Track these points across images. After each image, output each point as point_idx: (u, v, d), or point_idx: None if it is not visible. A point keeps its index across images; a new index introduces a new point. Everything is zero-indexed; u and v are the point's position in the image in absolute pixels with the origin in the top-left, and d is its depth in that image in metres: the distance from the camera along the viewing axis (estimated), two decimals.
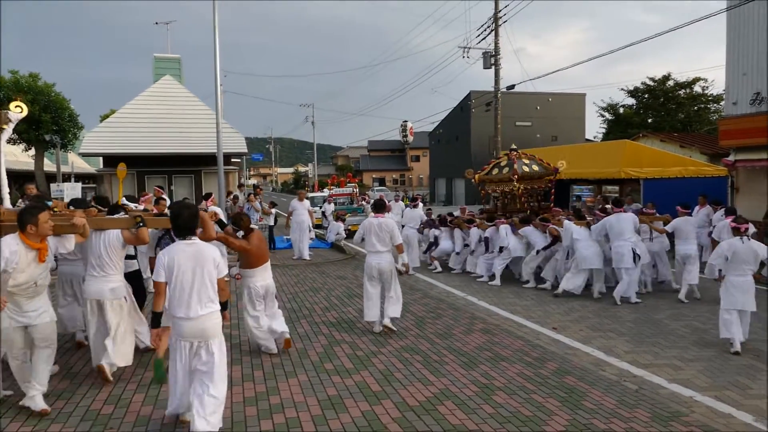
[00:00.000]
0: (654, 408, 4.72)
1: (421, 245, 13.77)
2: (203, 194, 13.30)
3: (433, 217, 13.74)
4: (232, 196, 16.20)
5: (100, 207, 6.53)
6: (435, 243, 12.80)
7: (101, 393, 5.01)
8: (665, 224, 9.57)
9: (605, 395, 4.98)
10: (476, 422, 4.40)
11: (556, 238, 9.89)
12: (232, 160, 23.94)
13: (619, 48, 18.42)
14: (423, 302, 8.86)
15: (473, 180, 13.34)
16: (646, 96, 32.90)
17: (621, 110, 34.07)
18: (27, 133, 21.66)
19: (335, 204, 21.35)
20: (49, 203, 5.84)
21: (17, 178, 24.60)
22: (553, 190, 13.11)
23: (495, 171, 12.69)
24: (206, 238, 4.92)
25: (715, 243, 8.32)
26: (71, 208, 6.02)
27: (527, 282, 10.45)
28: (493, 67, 24.44)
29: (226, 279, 4.34)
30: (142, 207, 8.34)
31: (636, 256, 8.82)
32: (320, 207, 20.18)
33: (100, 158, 23.24)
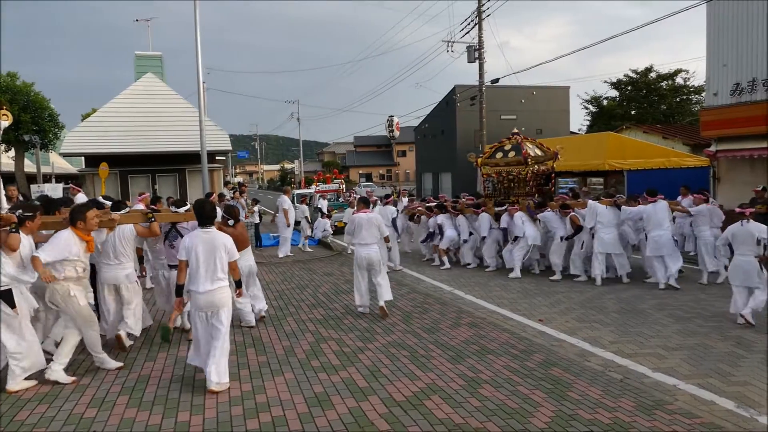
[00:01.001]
0: (638, 397, 4.77)
1: (409, 236, 13.74)
2: (205, 194, 13.29)
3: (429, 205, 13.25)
4: (218, 194, 16.09)
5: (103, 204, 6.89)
6: (433, 234, 12.18)
7: (84, 396, 4.95)
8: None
9: (590, 386, 5.02)
10: (462, 415, 4.41)
11: (579, 227, 9.89)
12: (217, 158, 23.70)
13: (602, 40, 18.54)
14: (410, 297, 8.86)
15: (475, 164, 13.08)
16: (629, 88, 33.15)
17: (605, 102, 34.32)
18: (6, 134, 21.30)
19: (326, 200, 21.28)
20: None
21: None
22: (553, 175, 12.81)
23: (499, 155, 12.28)
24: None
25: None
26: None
27: (555, 275, 10.27)
28: (477, 61, 24.49)
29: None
30: (141, 206, 8.50)
31: (676, 243, 9.39)
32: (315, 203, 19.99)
33: (82, 158, 22.91)
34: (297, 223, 15.17)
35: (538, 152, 12.32)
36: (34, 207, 5.60)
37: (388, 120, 61.45)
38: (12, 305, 4.98)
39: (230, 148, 21.86)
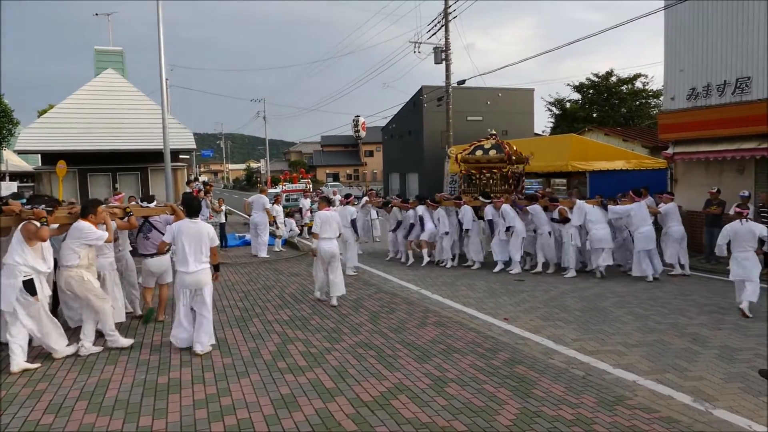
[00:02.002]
0: (600, 393, 4.88)
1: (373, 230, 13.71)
2: (183, 192, 13.45)
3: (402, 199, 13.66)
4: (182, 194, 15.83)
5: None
6: (413, 226, 12.14)
7: (40, 402, 4.78)
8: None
9: (554, 383, 5.11)
10: (429, 415, 4.44)
11: (565, 219, 10.53)
12: (181, 156, 23.23)
13: (565, 44, 18.92)
14: (377, 297, 8.86)
15: (456, 160, 13.46)
16: (591, 91, 33.91)
17: (567, 105, 35.03)
18: None
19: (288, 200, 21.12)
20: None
21: None
22: (523, 178, 13.48)
23: (479, 152, 12.74)
24: (177, 218, 6.86)
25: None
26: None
27: (566, 270, 10.75)
28: (444, 62, 24.65)
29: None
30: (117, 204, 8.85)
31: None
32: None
33: (38, 156, 22.11)
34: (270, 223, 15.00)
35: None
36: (53, 202, 6.53)
37: (354, 120, 61.30)
38: (33, 293, 5.57)
39: (194, 146, 21.43)
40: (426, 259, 12.07)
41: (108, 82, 20.66)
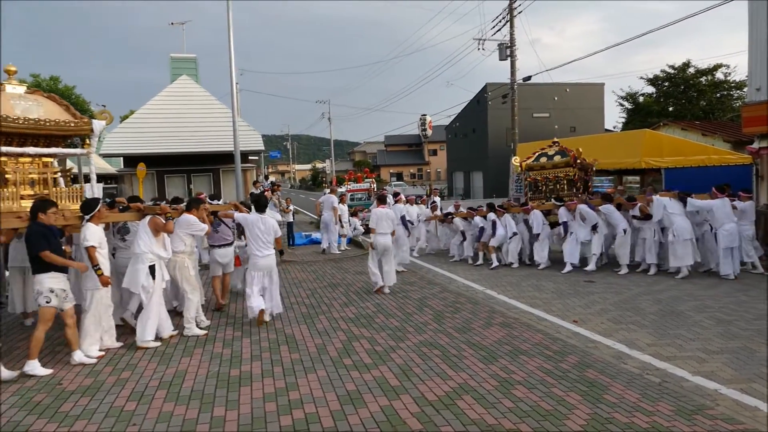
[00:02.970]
0: (678, 401, 4.64)
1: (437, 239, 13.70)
2: (250, 192, 15.01)
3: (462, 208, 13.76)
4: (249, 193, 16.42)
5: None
6: (483, 230, 12.18)
7: (124, 390, 5.10)
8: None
9: (627, 389, 4.91)
10: (496, 417, 4.38)
11: (647, 216, 10.32)
12: (250, 157, 24.05)
13: (636, 36, 18.12)
14: (441, 296, 8.83)
15: (520, 166, 13.50)
16: (666, 84, 32.31)
17: (641, 99, 33.51)
18: None
19: (353, 199, 21.37)
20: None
21: None
22: (590, 183, 13.34)
23: (543, 159, 12.82)
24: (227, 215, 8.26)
25: None
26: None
27: (621, 269, 10.69)
28: (508, 58, 24.20)
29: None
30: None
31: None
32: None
33: (121, 159, 23.52)
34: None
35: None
36: (178, 200, 8.00)
37: (420, 118, 61.11)
38: (153, 277, 6.48)
39: (263, 148, 22.15)
40: (495, 263, 11.90)
41: (182, 87, 21.71)
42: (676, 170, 14.79)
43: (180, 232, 7.05)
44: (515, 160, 14.13)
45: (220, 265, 8.41)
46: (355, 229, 16.39)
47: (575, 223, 11.04)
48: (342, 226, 15.09)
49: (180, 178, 20.67)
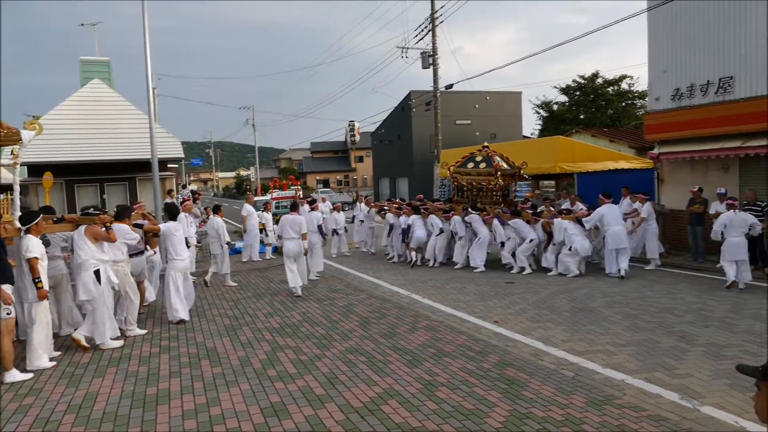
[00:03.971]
0: (589, 393, 4.90)
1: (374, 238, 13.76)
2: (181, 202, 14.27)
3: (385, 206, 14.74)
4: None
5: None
6: (406, 231, 13.04)
7: (26, 417, 4.73)
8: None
9: (544, 384, 5.13)
10: (420, 419, 4.44)
11: (550, 234, 11.12)
12: (169, 165, 23.11)
13: (550, 47, 19.09)
14: (368, 302, 8.86)
15: (448, 171, 14.04)
16: (578, 93, 34.20)
17: (555, 107, 35.28)
18: None
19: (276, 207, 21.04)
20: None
21: None
22: (515, 188, 14.10)
23: (470, 165, 13.35)
24: (150, 224, 8.54)
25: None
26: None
27: (511, 268, 11.61)
28: (431, 66, 24.75)
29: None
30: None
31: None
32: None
33: (25, 168, 21.92)
34: (260, 230, 15.17)
35: (505, 165, 13.32)
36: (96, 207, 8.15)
37: (349, 124, 61.29)
38: (100, 281, 6.65)
39: (183, 155, 21.35)
40: (413, 259, 12.90)
41: (94, 92, 20.53)
42: (587, 175, 15.69)
43: (117, 241, 7.14)
44: (443, 166, 14.63)
45: (132, 275, 8.13)
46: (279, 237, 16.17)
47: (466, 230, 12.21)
48: (266, 235, 14.89)
49: (92, 187, 19.50)
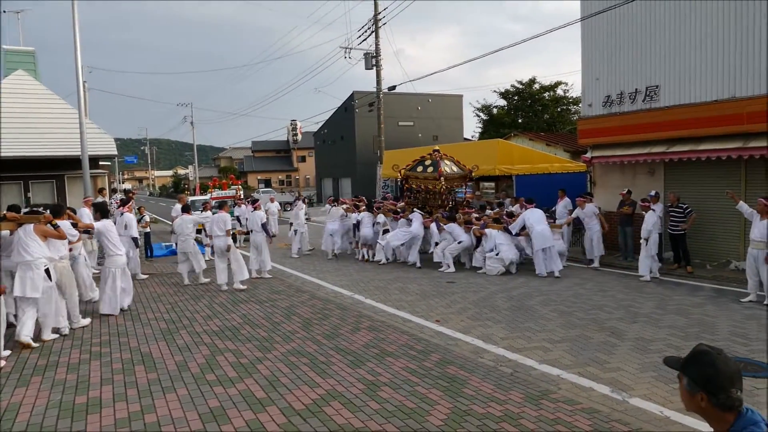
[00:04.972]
0: (527, 389, 5.06)
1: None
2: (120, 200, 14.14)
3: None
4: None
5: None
6: (355, 229, 13.73)
7: None
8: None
9: (483, 381, 5.25)
10: (362, 419, 4.44)
11: (479, 239, 11.72)
12: (101, 163, 22.06)
13: (490, 52, 19.50)
14: (310, 304, 8.78)
15: (399, 174, 14.32)
16: (516, 98, 35.25)
17: (494, 111, 36.20)
18: None
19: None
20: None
21: None
22: (465, 191, 14.46)
23: (419, 168, 13.70)
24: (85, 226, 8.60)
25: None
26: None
27: (447, 266, 11.96)
28: (374, 67, 24.83)
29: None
30: (87, 210, 10.96)
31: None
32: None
33: None
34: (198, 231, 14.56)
35: (455, 169, 13.73)
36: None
37: (291, 123, 60.41)
38: (50, 278, 6.81)
39: (115, 152, 20.41)
40: (359, 256, 13.60)
41: (18, 84, 19.33)
42: (525, 176, 16.21)
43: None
44: (394, 168, 14.75)
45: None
46: None
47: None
48: (207, 235, 14.42)
49: (16, 185, 18.33)
